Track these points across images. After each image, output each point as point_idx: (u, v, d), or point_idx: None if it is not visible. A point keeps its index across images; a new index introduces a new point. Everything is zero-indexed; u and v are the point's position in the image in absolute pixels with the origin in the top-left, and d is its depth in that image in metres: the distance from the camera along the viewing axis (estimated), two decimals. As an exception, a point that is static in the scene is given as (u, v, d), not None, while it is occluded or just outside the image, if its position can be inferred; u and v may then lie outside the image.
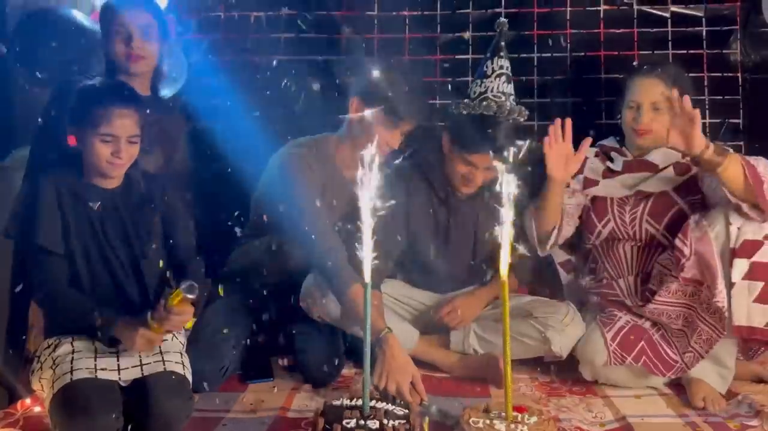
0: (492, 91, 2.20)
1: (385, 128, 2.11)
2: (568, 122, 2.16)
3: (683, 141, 1.96)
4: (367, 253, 1.54)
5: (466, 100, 2.23)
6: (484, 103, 2.19)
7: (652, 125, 2.19)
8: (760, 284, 1.95)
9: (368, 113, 2.11)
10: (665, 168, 2.23)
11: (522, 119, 2.22)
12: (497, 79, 2.22)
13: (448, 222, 2.32)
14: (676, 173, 2.22)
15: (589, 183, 2.30)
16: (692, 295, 2.06)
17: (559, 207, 2.24)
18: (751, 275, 1.96)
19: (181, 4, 2.85)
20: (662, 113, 2.17)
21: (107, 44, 2.21)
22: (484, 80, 2.22)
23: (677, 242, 2.07)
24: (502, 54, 2.25)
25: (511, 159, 2.06)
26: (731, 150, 2.01)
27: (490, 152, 2.10)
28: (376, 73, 2.12)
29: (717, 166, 1.93)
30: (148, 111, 1.91)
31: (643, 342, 2.11)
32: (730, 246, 1.98)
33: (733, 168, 1.93)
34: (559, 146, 2.13)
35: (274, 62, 2.81)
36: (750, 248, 1.97)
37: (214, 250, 2.42)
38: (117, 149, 1.83)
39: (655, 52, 2.73)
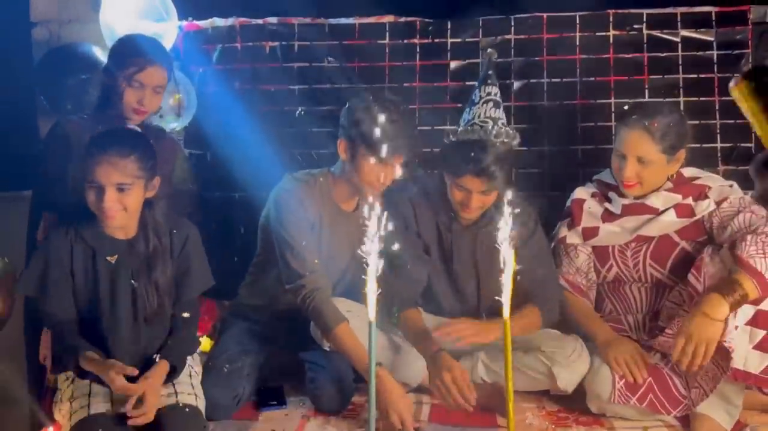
0: (479, 117, 2.22)
1: (374, 165, 2.15)
2: None
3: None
4: (371, 291, 1.58)
5: (456, 129, 2.27)
6: (470, 127, 2.22)
7: (637, 178, 2.16)
8: (762, 333, 1.95)
9: (355, 152, 2.16)
10: (666, 211, 2.20)
11: (514, 142, 2.24)
12: (485, 105, 2.24)
13: (452, 248, 2.35)
14: (678, 216, 2.19)
15: (588, 233, 2.29)
16: None
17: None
18: (754, 322, 1.96)
19: (200, 35, 2.93)
20: (649, 165, 2.14)
21: (115, 85, 2.21)
22: (473, 108, 2.25)
23: (690, 278, 2.06)
24: (490, 81, 2.27)
25: (503, 182, 2.16)
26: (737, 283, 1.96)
27: (480, 175, 2.14)
28: (358, 113, 2.15)
29: (745, 300, 1.94)
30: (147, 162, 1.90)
31: (651, 379, 2.10)
32: None
33: (752, 292, 1.93)
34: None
35: (288, 91, 2.89)
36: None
37: (226, 273, 2.51)
38: (100, 197, 1.82)
39: (666, 76, 2.73)
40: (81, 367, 1.85)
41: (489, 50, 2.43)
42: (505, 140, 2.20)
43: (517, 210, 2.28)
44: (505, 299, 1.61)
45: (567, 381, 2.19)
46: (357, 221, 2.33)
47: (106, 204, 1.82)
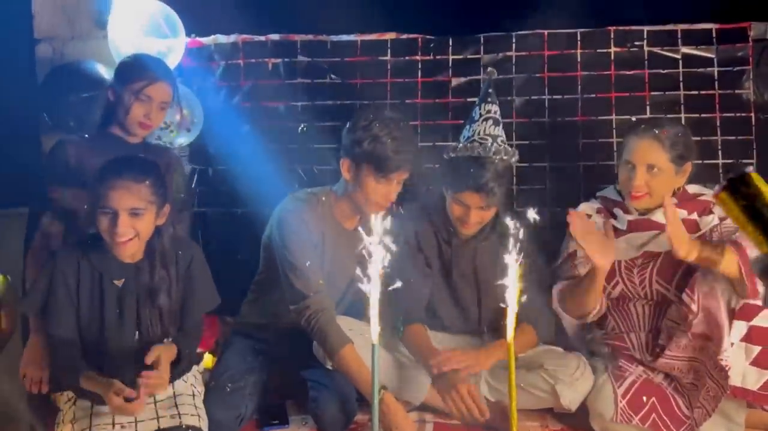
0: (479, 134, 2.24)
1: (378, 183, 2.17)
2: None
3: (671, 244, 1.98)
4: (374, 318, 1.59)
5: (455, 145, 2.28)
6: (470, 144, 2.23)
7: (646, 187, 2.16)
8: (757, 349, 1.96)
9: (359, 171, 2.17)
10: None
11: (512, 159, 2.26)
12: (484, 122, 2.25)
13: (451, 261, 2.36)
14: None
15: None
16: (701, 350, 2.06)
17: (601, 292, 2.20)
18: (748, 338, 1.97)
19: (203, 52, 2.94)
20: (658, 174, 2.15)
21: (121, 100, 2.25)
22: (472, 125, 2.27)
23: (684, 297, 2.07)
24: (489, 99, 2.30)
25: (501, 199, 2.19)
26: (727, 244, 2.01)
27: (479, 191, 2.17)
28: (360, 132, 2.16)
29: (713, 265, 1.97)
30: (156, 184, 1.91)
31: (654, 399, 2.10)
32: (731, 307, 1.98)
33: (727, 266, 1.96)
34: (591, 233, 2.09)
35: (290, 107, 2.90)
36: (749, 311, 1.98)
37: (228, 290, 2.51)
38: (114, 222, 1.82)
39: (667, 93, 2.74)
40: (81, 386, 1.85)
41: (489, 69, 2.45)
42: (504, 157, 2.22)
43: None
44: (510, 321, 1.62)
45: (570, 399, 2.19)
46: (358, 239, 2.33)
47: (119, 229, 1.82)
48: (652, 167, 2.15)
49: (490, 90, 2.33)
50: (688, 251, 1.98)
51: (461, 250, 2.36)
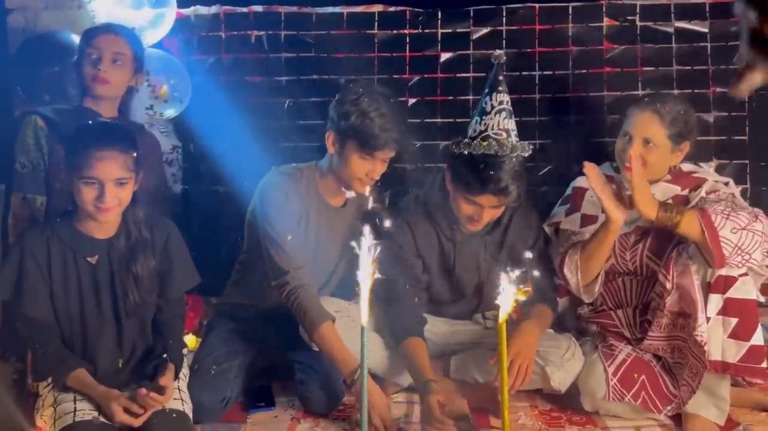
0: (492, 128, 2.09)
1: (363, 160, 2.11)
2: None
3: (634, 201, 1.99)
4: (363, 301, 1.54)
5: (466, 140, 2.12)
6: (485, 142, 2.06)
7: (641, 159, 2.12)
8: (734, 320, 1.95)
9: (344, 145, 2.12)
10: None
11: (526, 155, 2.12)
12: (497, 115, 2.09)
13: (453, 260, 2.29)
14: None
15: (587, 220, 2.26)
16: (683, 328, 2.04)
17: (610, 250, 2.16)
18: (724, 311, 1.96)
19: (183, 24, 2.84)
20: (654, 149, 2.14)
21: (79, 65, 2.23)
22: (484, 117, 2.11)
23: (660, 276, 2.06)
24: (501, 89, 2.13)
25: (517, 197, 2.09)
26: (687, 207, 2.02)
27: (497, 194, 2.06)
28: (347, 106, 2.09)
29: (674, 226, 1.97)
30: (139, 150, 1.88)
31: (644, 376, 2.10)
32: (707, 281, 1.97)
33: (687, 226, 1.96)
34: (605, 185, 2.03)
35: (274, 82, 2.81)
36: (723, 284, 1.97)
37: (212, 269, 2.45)
38: (101, 193, 1.78)
39: (659, 68, 2.69)
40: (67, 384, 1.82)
41: (497, 52, 2.20)
42: (522, 154, 2.09)
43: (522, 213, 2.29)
44: (503, 304, 1.58)
45: (560, 380, 2.17)
46: (346, 216, 2.29)
47: (107, 201, 1.78)
48: (648, 141, 2.14)
49: (500, 78, 2.15)
50: (649, 209, 1.98)
51: (464, 245, 2.28)
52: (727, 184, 2.20)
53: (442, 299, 2.36)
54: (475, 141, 2.09)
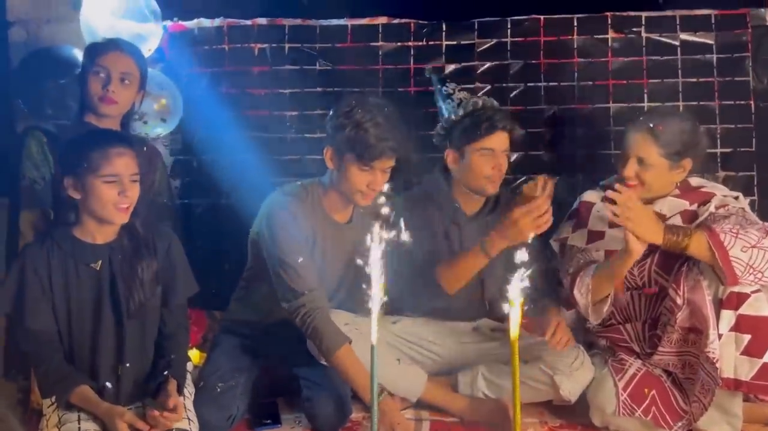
0: (466, 98, 2.28)
1: (362, 171, 2.08)
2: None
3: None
4: (374, 319, 1.52)
5: (452, 117, 2.28)
6: (467, 104, 2.26)
7: (637, 179, 2.12)
8: (747, 337, 1.92)
9: (342, 159, 2.10)
10: (672, 217, 2.16)
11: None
12: (461, 92, 2.31)
13: (461, 243, 2.30)
14: (684, 222, 2.14)
15: (594, 236, 2.24)
16: (693, 343, 2.02)
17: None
18: (737, 327, 1.93)
19: (186, 36, 2.83)
20: (649, 169, 2.12)
21: (84, 82, 2.19)
22: (453, 96, 2.29)
23: (670, 291, 2.04)
24: (448, 84, 2.35)
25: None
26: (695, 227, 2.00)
27: (506, 129, 2.22)
28: (341, 119, 2.08)
29: (684, 249, 1.95)
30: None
31: (654, 391, 2.08)
32: (719, 297, 1.95)
33: (696, 249, 1.94)
34: (636, 210, 1.97)
35: (278, 95, 2.80)
36: (736, 300, 1.94)
37: (216, 284, 2.43)
38: (122, 189, 1.81)
39: (665, 80, 2.69)
40: (70, 402, 1.79)
41: (427, 68, 2.59)
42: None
43: None
44: (513, 321, 1.56)
45: (570, 389, 2.14)
46: (351, 232, 2.26)
47: (129, 196, 1.82)
48: (642, 160, 2.12)
49: (439, 86, 2.36)
50: (654, 236, 1.96)
51: (468, 226, 2.31)
52: (737, 198, 2.18)
53: (452, 297, 2.29)
54: (459, 111, 2.26)
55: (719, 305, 1.95)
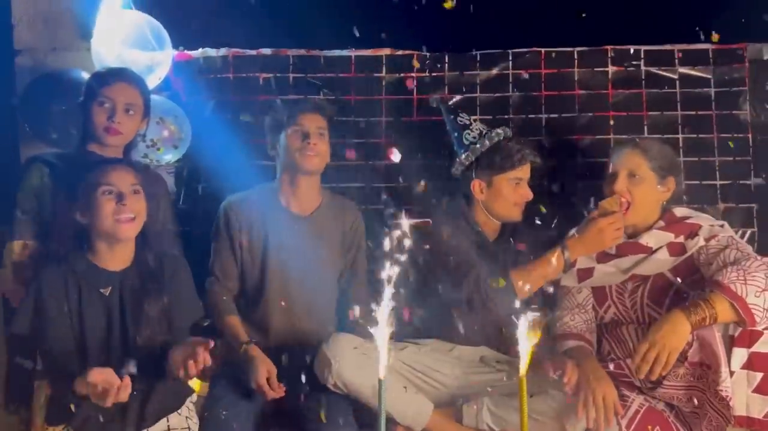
0: (485, 129, 2.42)
1: (294, 132, 2.32)
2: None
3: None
4: (383, 361, 1.52)
5: (476, 146, 2.39)
6: (487, 136, 2.40)
7: (628, 194, 2.18)
8: (760, 375, 1.94)
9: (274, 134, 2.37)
10: (658, 250, 2.18)
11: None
12: (476, 122, 2.47)
13: (487, 267, 2.30)
14: (671, 254, 2.17)
15: (583, 275, 2.26)
16: (701, 378, 2.01)
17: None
18: (750, 365, 1.94)
19: (192, 66, 2.85)
20: (640, 182, 2.17)
21: (88, 111, 2.21)
22: (471, 127, 2.43)
23: None
24: (461, 113, 2.49)
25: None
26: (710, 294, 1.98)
27: (534, 160, 2.38)
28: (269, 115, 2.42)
29: (714, 322, 1.94)
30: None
31: (658, 428, 2.07)
32: (729, 334, 1.96)
33: (723, 314, 1.93)
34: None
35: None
36: (749, 338, 1.96)
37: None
38: (119, 199, 1.85)
39: (664, 113, 2.73)
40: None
41: (433, 98, 2.70)
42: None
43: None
44: (523, 355, 1.56)
45: (576, 425, 2.12)
46: (314, 225, 2.31)
47: (128, 206, 1.85)
48: (634, 173, 2.18)
49: (452, 116, 2.50)
50: (684, 333, 1.93)
51: (491, 251, 2.36)
52: (722, 226, 2.20)
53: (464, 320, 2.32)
54: (479, 142, 2.39)
55: (730, 342, 1.95)
